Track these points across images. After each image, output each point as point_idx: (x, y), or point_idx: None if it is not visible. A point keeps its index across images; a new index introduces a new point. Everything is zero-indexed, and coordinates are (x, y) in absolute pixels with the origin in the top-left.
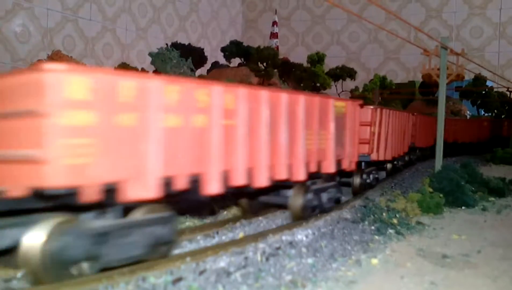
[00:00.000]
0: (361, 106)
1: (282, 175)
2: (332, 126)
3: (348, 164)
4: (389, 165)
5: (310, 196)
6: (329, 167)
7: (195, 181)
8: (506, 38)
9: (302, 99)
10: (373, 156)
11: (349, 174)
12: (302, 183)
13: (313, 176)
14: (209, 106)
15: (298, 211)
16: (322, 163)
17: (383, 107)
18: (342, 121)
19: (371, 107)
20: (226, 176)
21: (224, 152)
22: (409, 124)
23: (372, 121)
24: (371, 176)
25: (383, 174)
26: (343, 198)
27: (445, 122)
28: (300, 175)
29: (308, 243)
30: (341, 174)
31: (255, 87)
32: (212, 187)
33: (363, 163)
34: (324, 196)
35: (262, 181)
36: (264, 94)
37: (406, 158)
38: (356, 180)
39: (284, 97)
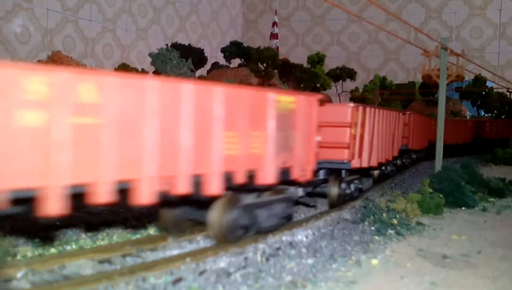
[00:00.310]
0: (322, 102)
1: (182, 188)
2: (271, 126)
3: (299, 173)
4: (376, 172)
5: (237, 213)
6: (267, 177)
7: (25, 200)
8: (506, 38)
9: (219, 92)
10: (355, 163)
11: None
12: (229, 197)
13: (259, 189)
14: (48, 99)
15: (219, 231)
16: (256, 172)
17: (366, 105)
18: (289, 120)
19: (351, 105)
20: (79, 192)
21: (74, 160)
22: (400, 124)
23: (352, 122)
24: (352, 185)
25: (369, 182)
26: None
27: (435, 123)
28: (214, 188)
29: (308, 243)
30: (316, 184)
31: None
32: (53, 206)
33: (343, 171)
34: (262, 214)
35: (145, 196)
36: (150, 84)
37: (398, 162)
38: (333, 191)
39: (187, 88)
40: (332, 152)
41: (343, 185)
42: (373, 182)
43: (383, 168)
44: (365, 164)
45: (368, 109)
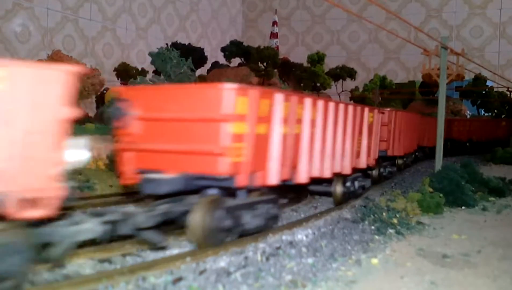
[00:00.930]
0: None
1: None
2: None
3: (19, 205)
4: (339, 190)
5: None
6: None
7: None
8: (506, 38)
9: None
10: (247, 179)
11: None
12: None
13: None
14: None
15: None
16: None
17: (276, 89)
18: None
19: (233, 86)
20: None
21: None
22: (374, 124)
23: (235, 114)
24: (247, 215)
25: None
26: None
27: (425, 122)
28: None
29: (308, 242)
30: (171, 213)
31: None
32: None
33: (241, 192)
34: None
35: None
36: None
37: (374, 173)
38: (199, 223)
39: None
40: (201, 162)
41: (219, 214)
42: (335, 203)
43: (348, 184)
44: (273, 180)
45: (279, 95)
